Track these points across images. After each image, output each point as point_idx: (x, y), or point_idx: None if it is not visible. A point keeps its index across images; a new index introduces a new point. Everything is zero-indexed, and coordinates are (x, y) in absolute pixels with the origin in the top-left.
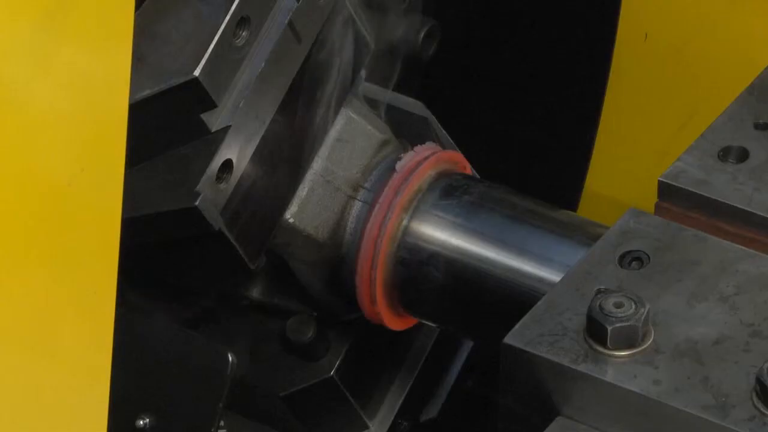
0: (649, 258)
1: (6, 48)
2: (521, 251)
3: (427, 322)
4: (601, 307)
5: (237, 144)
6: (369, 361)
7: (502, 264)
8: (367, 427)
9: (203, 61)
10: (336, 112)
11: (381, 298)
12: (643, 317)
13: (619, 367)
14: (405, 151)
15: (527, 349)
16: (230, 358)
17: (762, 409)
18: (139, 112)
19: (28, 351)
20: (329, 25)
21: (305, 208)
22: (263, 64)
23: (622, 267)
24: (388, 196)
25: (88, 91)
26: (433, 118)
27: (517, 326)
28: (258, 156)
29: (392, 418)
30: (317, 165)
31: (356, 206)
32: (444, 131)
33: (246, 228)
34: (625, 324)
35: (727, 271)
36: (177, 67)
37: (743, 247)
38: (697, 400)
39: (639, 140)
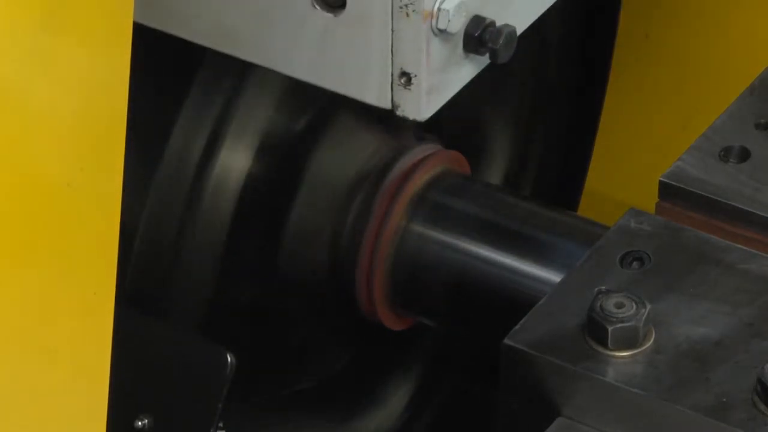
0: (649, 258)
1: (6, 48)
2: (521, 251)
3: (426, 322)
4: (601, 308)
5: None
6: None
7: (502, 264)
8: None
9: None
10: None
11: (380, 298)
12: (643, 317)
13: (619, 368)
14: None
15: (527, 349)
16: (230, 358)
17: (762, 410)
18: None
19: (27, 351)
20: None
21: None
22: None
23: (622, 267)
24: (387, 196)
25: (88, 91)
26: None
27: (517, 327)
28: None
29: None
30: None
31: (356, 205)
32: None
33: None
34: (626, 324)
35: (727, 271)
36: None
37: (744, 247)
38: (697, 400)
39: (639, 140)
